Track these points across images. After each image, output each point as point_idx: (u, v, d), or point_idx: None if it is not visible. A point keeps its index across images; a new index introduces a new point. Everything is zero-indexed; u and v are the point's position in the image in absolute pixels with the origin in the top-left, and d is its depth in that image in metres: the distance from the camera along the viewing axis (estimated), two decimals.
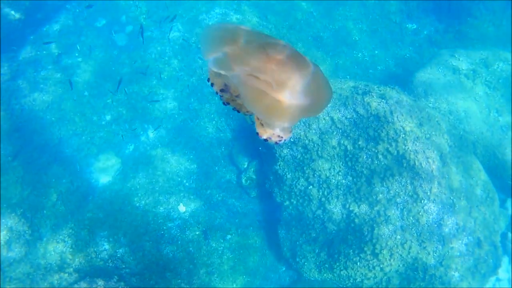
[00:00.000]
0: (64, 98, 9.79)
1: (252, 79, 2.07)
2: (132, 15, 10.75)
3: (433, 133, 7.63)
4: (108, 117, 9.80)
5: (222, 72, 2.17)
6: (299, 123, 7.66)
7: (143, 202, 8.78)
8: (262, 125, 2.28)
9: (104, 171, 9.38)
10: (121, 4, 10.82)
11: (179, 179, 9.07)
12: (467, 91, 8.98)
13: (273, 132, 2.28)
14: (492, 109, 8.92)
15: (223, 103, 2.31)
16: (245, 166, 9.01)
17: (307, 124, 7.57)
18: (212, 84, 2.29)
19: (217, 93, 2.31)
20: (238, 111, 2.33)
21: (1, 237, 8.00)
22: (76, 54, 10.30)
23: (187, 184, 9.05)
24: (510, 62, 9.16)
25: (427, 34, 10.05)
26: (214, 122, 9.45)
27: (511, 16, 9.66)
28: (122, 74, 9.98)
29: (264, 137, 2.31)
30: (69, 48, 10.39)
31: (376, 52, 9.93)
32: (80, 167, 9.23)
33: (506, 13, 9.76)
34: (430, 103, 8.67)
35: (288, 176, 7.76)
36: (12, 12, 9.78)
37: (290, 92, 2.08)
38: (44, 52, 10.22)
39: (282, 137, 2.30)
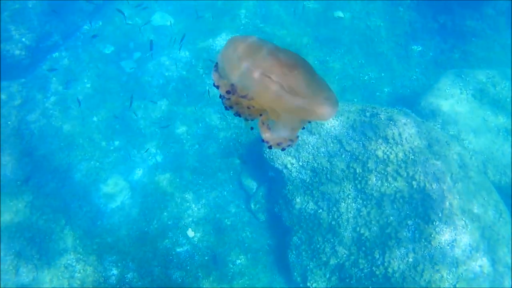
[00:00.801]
0: (73, 124, 9.89)
1: (266, 78, 2.13)
2: (140, 42, 10.93)
3: (443, 154, 7.57)
4: (116, 143, 9.86)
5: (238, 70, 2.18)
6: (307, 146, 7.66)
7: (151, 227, 8.76)
8: (268, 130, 2.30)
9: (113, 196, 9.38)
10: (129, 31, 11.01)
11: (188, 203, 9.04)
12: (475, 111, 8.94)
13: (279, 137, 2.31)
14: (501, 128, 8.86)
15: (226, 108, 2.32)
16: (254, 190, 8.98)
17: (315, 148, 7.56)
18: (217, 87, 2.29)
19: (221, 96, 2.30)
20: (240, 115, 2.32)
21: (9, 262, 7.98)
22: (85, 80, 10.44)
23: (196, 209, 9.02)
24: None
25: (433, 56, 10.09)
26: (222, 147, 9.48)
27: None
28: (133, 100, 10.10)
29: (270, 141, 2.32)
30: (78, 74, 10.55)
31: (383, 74, 9.97)
32: (89, 192, 9.25)
33: (511, 32, 9.81)
34: (438, 124, 8.64)
35: (297, 200, 7.71)
36: (23, 39, 9.98)
37: (300, 95, 2.15)
38: (54, 78, 10.38)
39: (288, 142, 2.33)
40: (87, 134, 9.91)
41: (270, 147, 2.35)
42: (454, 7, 9.79)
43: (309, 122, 2.41)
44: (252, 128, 2.44)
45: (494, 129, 8.87)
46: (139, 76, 10.49)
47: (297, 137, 2.35)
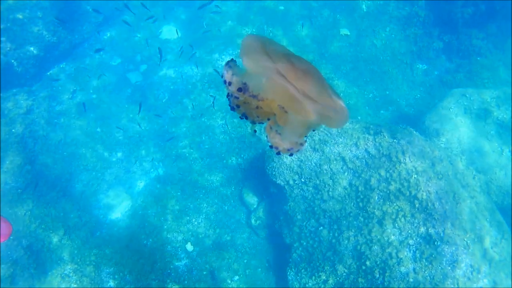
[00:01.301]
0: (77, 134, 9.91)
1: (282, 78, 2.14)
2: (147, 55, 11.01)
3: (446, 173, 7.51)
4: (119, 154, 9.87)
5: (255, 66, 2.18)
6: (310, 163, 7.62)
7: (150, 240, 8.69)
8: (277, 134, 2.28)
9: (113, 208, 9.36)
10: (137, 43, 11.09)
11: (188, 217, 8.99)
12: (479, 131, 8.89)
13: (288, 141, 2.29)
14: (505, 148, 8.80)
15: (231, 108, 2.28)
16: (255, 206, 8.92)
17: (318, 165, 7.52)
18: (229, 83, 2.25)
19: (230, 95, 2.27)
20: (246, 117, 2.29)
21: (5, 270, 7.91)
22: (91, 91, 10.50)
23: (196, 223, 8.96)
24: None
25: (437, 75, 10.08)
26: (224, 161, 9.45)
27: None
28: (135, 113, 10.16)
29: (279, 147, 2.29)
30: (84, 84, 10.62)
31: (387, 92, 9.96)
32: (89, 203, 9.23)
33: None
34: (442, 143, 8.59)
35: (298, 217, 7.65)
36: (31, 49, 10.08)
37: (313, 99, 2.16)
38: (60, 87, 10.45)
39: (297, 147, 2.30)
40: (90, 145, 9.92)
41: (278, 153, 2.32)
42: (460, 27, 9.83)
43: (315, 129, 2.39)
44: (255, 131, 2.43)
45: (497, 149, 8.81)
46: (145, 89, 10.54)
47: (305, 142, 2.33)
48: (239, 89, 2.22)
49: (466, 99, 9.08)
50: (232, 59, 2.31)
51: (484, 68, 9.81)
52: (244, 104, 2.24)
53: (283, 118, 2.22)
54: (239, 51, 2.28)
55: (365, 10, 10.39)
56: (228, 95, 2.29)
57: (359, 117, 9.64)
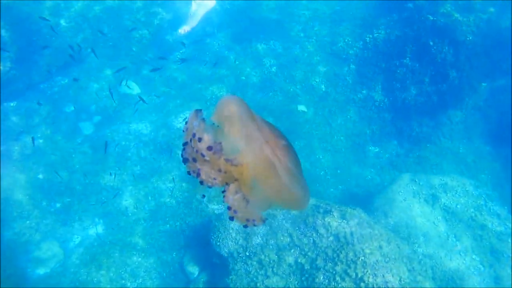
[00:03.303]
0: (16, 178, 9.32)
1: (268, 148, 2.02)
2: (102, 106, 10.74)
3: (393, 256, 7.47)
4: (58, 205, 9.28)
5: (238, 129, 2.03)
6: (257, 237, 7.38)
7: None
8: (243, 200, 2.11)
9: (43, 262, 8.68)
10: (94, 94, 10.83)
11: (123, 281, 8.38)
12: (427, 216, 9.06)
13: (250, 212, 2.12)
14: (450, 234, 8.96)
15: (185, 160, 2.09)
16: (195, 275, 8.45)
17: (265, 239, 7.30)
18: (199, 139, 2.05)
19: (190, 147, 2.07)
20: (198, 175, 2.09)
21: None
22: (38, 135, 10.01)
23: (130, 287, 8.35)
24: (467, 188, 9.43)
25: (388, 158, 10.38)
26: (168, 226, 9.04)
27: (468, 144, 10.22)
28: (81, 164, 9.73)
29: (239, 213, 2.11)
30: (31, 128, 10.14)
31: (339, 171, 10.09)
32: (17, 254, 8.47)
33: (463, 141, 10.33)
34: (390, 225, 8.64)
35: None
36: None
37: (290, 174, 2.08)
38: (6, 127, 9.93)
39: (258, 221, 2.15)
40: (29, 191, 9.31)
41: (231, 218, 2.13)
42: (412, 114, 10.31)
43: (278, 207, 2.23)
44: (203, 196, 2.22)
45: (444, 234, 8.96)
46: (95, 140, 10.16)
47: (266, 219, 2.18)
48: (209, 148, 2.03)
49: (415, 184, 9.31)
50: (200, 110, 2.14)
51: (433, 155, 10.21)
52: (204, 162, 2.06)
53: (247, 188, 2.08)
54: (228, 94, 2.11)
55: (323, 90, 10.77)
56: (185, 145, 2.10)
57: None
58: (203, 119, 2.12)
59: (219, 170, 2.06)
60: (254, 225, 2.15)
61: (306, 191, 2.14)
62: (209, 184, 2.11)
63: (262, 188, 2.08)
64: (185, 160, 2.12)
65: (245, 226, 2.17)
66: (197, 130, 2.08)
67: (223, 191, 2.14)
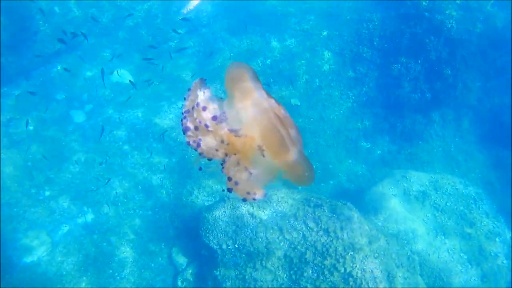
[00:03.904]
0: (5, 164, 9.19)
1: (277, 118, 1.98)
2: (94, 95, 10.62)
3: (382, 252, 7.49)
4: (47, 193, 9.18)
5: (247, 96, 1.97)
6: (246, 229, 7.36)
7: None
8: (245, 172, 2.03)
9: (30, 250, 8.59)
10: (86, 82, 10.70)
11: (111, 271, 8.33)
12: (416, 213, 9.09)
13: (251, 185, 2.06)
14: (439, 231, 9.00)
15: (186, 129, 2.00)
16: (184, 266, 8.43)
17: (254, 232, 7.28)
18: (204, 108, 1.97)
19: (185, 119, 2.00)
20: (198, 146, 2.01)
21: None
22: (29, 121, 9.89)
23: (118, 278, 8.32)
24: (457, 187, 9.48)
25: (380, 154, 10.38)
26: (157, 216, 9.00)
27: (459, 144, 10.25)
28: (72, 153, 9.62)
29: (240, 185, 2.04)
30: (22, 114, 10.00)
31: (330, 166, 10.07)
32: (4, 241, 8.38)
33: (455, 140, 10.35)
34: (379, 221, 8.66)
35: (228, 283, 7.25)
36: None
37: (297, 146, 2.03)
38: None
39: (260, 194, 2.09)
40: (18, 178, 9.20)
41: (230, 190, 2.06)
42: (405, 111, 10.31)
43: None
44: (200, 169, 2.15)
45: (432, 231, 9.00)
46: (86, 129, 10.05)
47: (266, 194, 2.12)
48: (214, 118, 1.96)
49: (406, 181, 9.33)
50: (204, 79, 2.07)
51: (424, 152, 10.23)
52: (206, 133, 1.99)
53: (248, 160, 2.01)
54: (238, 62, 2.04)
55: (317, 84, 10.72)
56: (186, 113, 2.02)
57: (299, 188, 9.59)
58: (208, 88, 2.05)
59: (221, 142, 1.99)
60: (254, 199, 2.08)
61: (310, 165, 2.09)
62: (210, 156, 2.04)
63: (267, 160, 2.01)
64: (185, 129, 2.04)
65: (244, 200, 2.10)
66: (201, 99, 2.01)
67: (222, 163, 2.06)
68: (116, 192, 9.19)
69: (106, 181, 9.18)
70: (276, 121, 1.96)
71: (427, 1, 9.79)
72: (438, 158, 10.28)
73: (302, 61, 11.00)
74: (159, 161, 9.56)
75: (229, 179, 2.04)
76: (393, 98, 10.38)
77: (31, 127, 9.92)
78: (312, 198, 7.59)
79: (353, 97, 10.75)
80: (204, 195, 8.92)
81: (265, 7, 12.04)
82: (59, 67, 10.95)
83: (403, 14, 10.26)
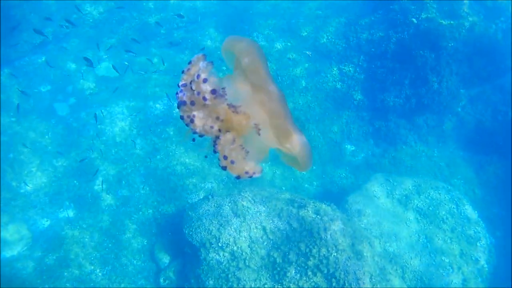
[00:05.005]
0: None
1: (279, 96, 2.02)
2: (79, 88, 10.46)
3: (365, 254, 7.56)
4: (28, 187, 8.99)
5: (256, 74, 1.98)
6: (230, 228, 7.34)
7: (46, 286, 7.77)
8: (242, 149, 2.02)
9: (10, 244, 8.44)
10: (71, 75, 10.52)
11: (92, 267, 8.21)
12: (399, 216, 9.19)
13: (247, 162, 2.04)
14: (421, 235, 9.12)
15: (181, 102, 1.96)
16: (166, 264, 8.36)
17: (238, 231, 7.27)
18: (205, 80, 1.93)
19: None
20: (192, 121, 1.98)
21: None
22: (11, 113, 9.69)
23: (100, 274, 8.20)
24: (440, 191, 9.62)
25: (364, 157, 10.46)
26: (140, 213, 8.90)
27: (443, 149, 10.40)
28: (54, 145, 9.45)
29: (236, 164, 2.02)
30: (5, 105, 9.79)
31: (314, 167, 10.10)
32: None
33: (438, 145, 10.50)
34: (362, 223, 8.74)
35: (210, 282, 7.22)
36: None
37: (295, 126, 2.10)
38: None
39: (256, 171, 2.08)
40: None
41: (224, 168, 2.02)
42: (390, 115, 10.41)
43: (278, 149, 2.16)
44: (194, 140, 2.12)
45: (415, 235, 9.11)
46: (70, 122, 9.89)
47: (261, 171, 2.11)
48: (213, 91, 1.93)
49: (389, 184, 9.43)
50: (205, 55, 2.04)
51: (408, 157, 10.35)
52: (202, 107, 1.95)
53: (242, 139, 2.01)
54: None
55: (304, 85, 10.75)
56: (183, 86, 1.98)
57: (283, 188, 9.60)
58: (211, 62, 2.02)
59: (217, 118, 1.97)
60: (251, 177, 2.06)
61: (310, 149, 2.12)
62: (203, 132, 2.00)
63: (262, 139, 2.02)
64: (180, 103, 1.99)
65: (238, 178, 2.07)
66: (203, 71, 1.97)
67: (214, 141, 2.03)
68: (99, 188, 9.08)
69: (89, 177, 9.05)
70: (283, 103, 1.98)
71: (414, 7, 9.91)
72: (421, 162, 10.40)
73: (289, 62, 11.02)
74: (144, 157, 9.46)
75: (225, 157, 2.01)
76: (378, 102, 10.47)
77: (13, 119, 9.72)
78: (296, 199, 7.62)
79: (338, 99, 10.79)
80: (187, 193, 8.86)
81: (255, 7, 12.04)
82: (44, 58, 10.76)
83: (391, 19, 10.36)
